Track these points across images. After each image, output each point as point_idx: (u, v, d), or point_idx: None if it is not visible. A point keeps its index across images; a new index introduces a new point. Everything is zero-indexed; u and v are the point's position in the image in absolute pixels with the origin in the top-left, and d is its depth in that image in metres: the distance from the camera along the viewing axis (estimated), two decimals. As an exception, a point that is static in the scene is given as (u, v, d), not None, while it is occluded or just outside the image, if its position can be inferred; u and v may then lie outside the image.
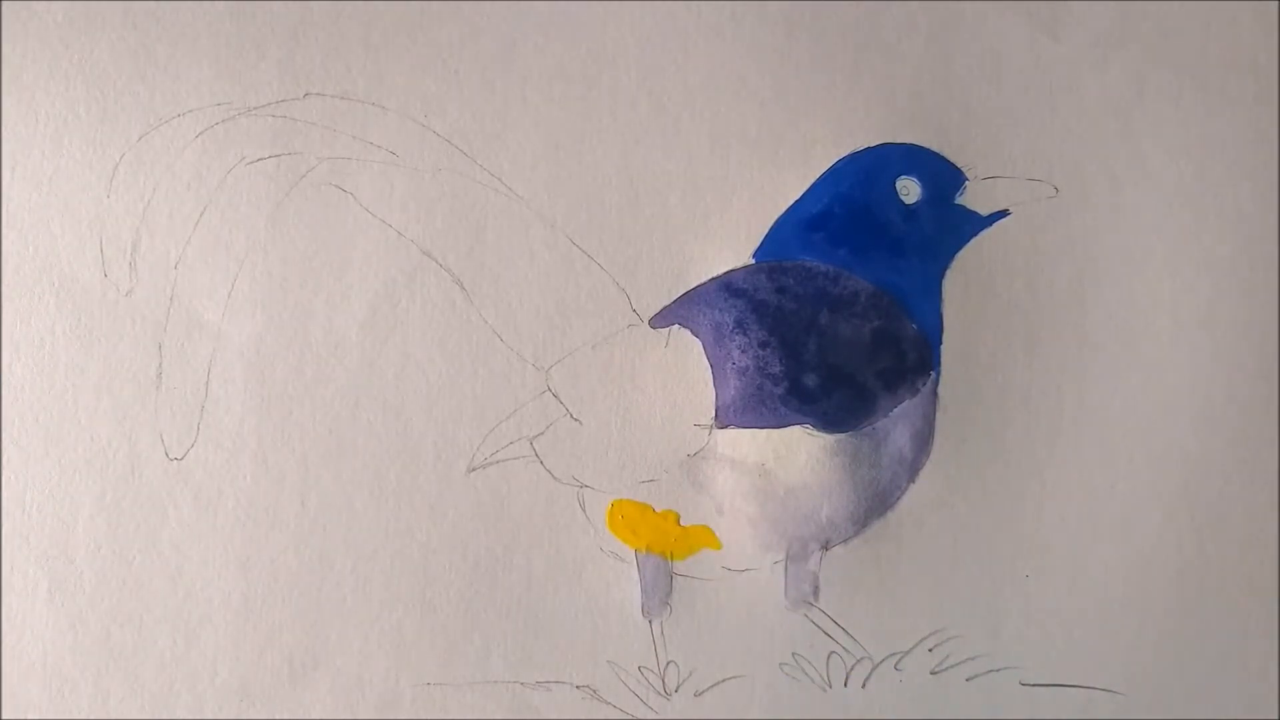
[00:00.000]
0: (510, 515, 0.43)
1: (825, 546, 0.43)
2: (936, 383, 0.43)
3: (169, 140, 0.43)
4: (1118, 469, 0.43)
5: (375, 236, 0.43)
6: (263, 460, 0.43)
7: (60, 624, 0.43)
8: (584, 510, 0.43)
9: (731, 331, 0.42)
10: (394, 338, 0.43)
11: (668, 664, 0.43)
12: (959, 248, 0.43)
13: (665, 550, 0.43)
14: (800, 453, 0.42)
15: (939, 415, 0.43)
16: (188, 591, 0.43)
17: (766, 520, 0.42)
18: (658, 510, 0.43)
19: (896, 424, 0.42)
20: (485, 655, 0.43)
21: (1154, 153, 0.43)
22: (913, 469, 0.43)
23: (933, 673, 0.43)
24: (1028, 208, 0.43)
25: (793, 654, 0.43)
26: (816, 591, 0.43)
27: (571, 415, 0.43)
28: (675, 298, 0.43)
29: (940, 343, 0.43)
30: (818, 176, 0.43)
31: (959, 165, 0.43)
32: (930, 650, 0.43)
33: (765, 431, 0.42)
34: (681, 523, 0.43)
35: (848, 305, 0.42)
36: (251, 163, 0.43)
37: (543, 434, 0.43)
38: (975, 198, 0.43)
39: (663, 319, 0.43)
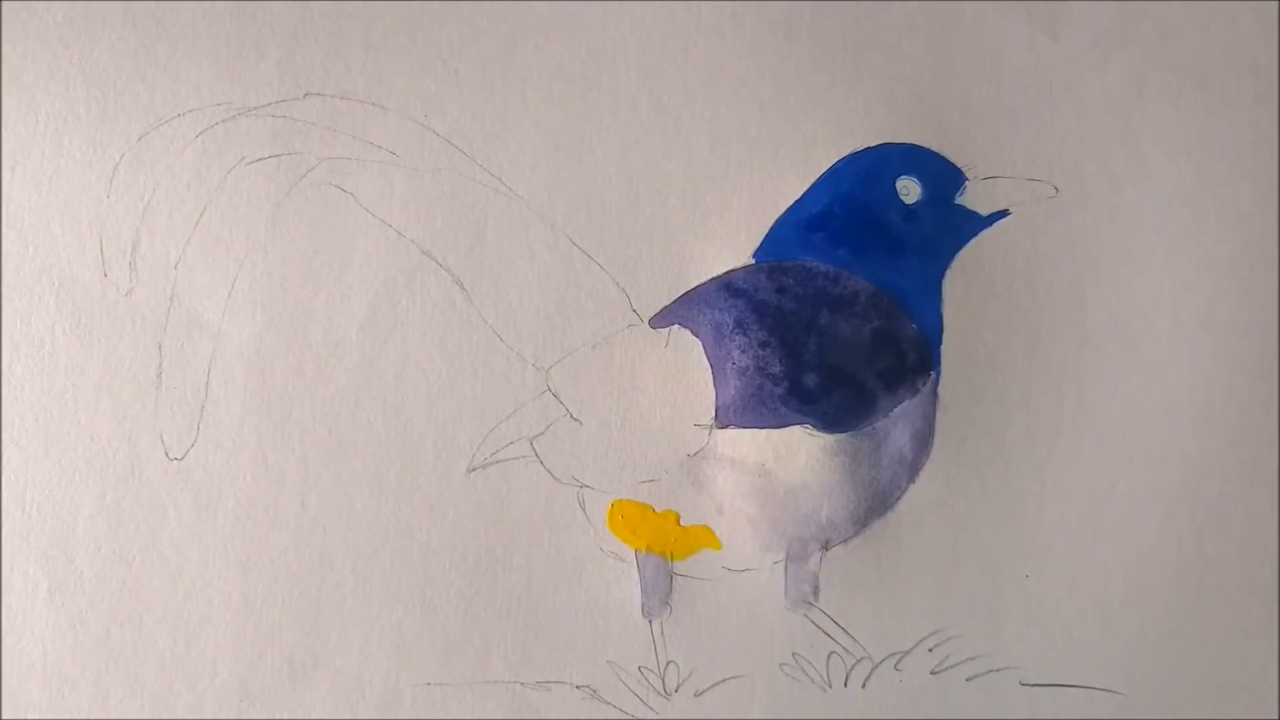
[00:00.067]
0: (510, 515, 0.43)
1: (825, 546, 0.43)
2: (936, 383, 0.43)
3: (169, 140, 0.43)
4: (1118, 469, 0.43)
5: (375, 236, 0.43)
6: (263, 460, 0.43)
7: (60, 624, 0.43)
8: (584, 510, 0.43)
9: (731, 331, 0.42)
10: (394, 338, 0.43)
11: (668, 664, 0.43)
12: (959, 248, 0.43)
13: (665, 550, 0.43)
14: (800, 453, 0.42)
15: (939, 415, 0.43)
16: (188, 591, 0.43)
17: (766, 520, 0.42)
18: (658, 510, 0.43)
19: (896, 424, 0.42)
20: (485, 655, 0.43)
21: (1154, 153, 0.43)
22: (913, 469, 0.43)
23: (933, 673, 0.43)
24: (1028, 208, 0.43)
25: (793, 654, 0.43)
26: (816, 591, 0.43)
27: (571, 415, 0.43)
28: (675, 298, 0.43)
29: (940, 343, 0.43)
30: (818, 176, 0.43)
31: (959, 165, 0.43)
32: (930, 650, 0.43)
33: (765, 431, 0.42)
34: (681, 523, 0.43)
35: (848, 305, 0.42)
36: (251, 163, 0.43)
37: (543, 434, 0.43)
38: (975, 198, 0.43)
39: (663, 319, 0.43)
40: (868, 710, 0.43)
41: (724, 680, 0.43)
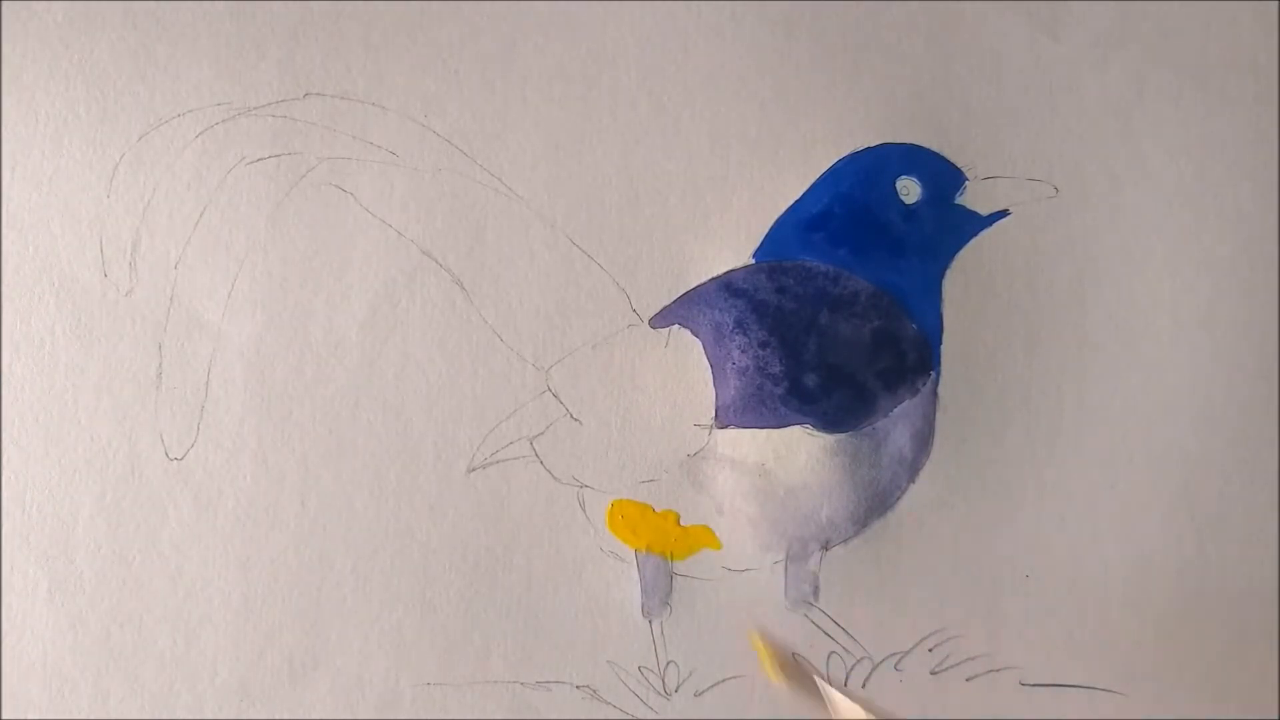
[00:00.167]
0: (510, 515, 0.43)
1: (825, 546, 0.43)
2: (936, 383, 0.43)
3: (169, 140, 0.43)
4: (1118, 469, 0.43)
5: (375, 236, 0.43)
6: (263, 460, 0.43)
7: (60, 624, 0.43)
8: (584, 510, 0.43)
9: (731, 331, 0.42)
10: (394, 338, 0.43)
11: (668, 664, 0.43)
12: (959, 248, 0.43)
13: (665, 550, 0.43)
14: (800, 453, 0.42)
15: (939, 415, 0.43)
16: (188, 591, 0.43)
17: (766, 520, 0.42)
18: (658, 510, 0.43)
19: (896, 424, 0.42)
20: (485, 655, 0.43)
21: (1154, 153, 0.43)
22: (913, 469, 0.43)
23: (933, 673, 0.43)
24: (1028, 208, 0.43)
25: (793, 654, 0.43)
26: (816, 591, 0.43)
27: (571, 415, 0.43)
28: (675, 298, 0.43)
29: (940, 343, 0.43)
30: (818, 176, 0.43)
31: (959, 165, 0.43)
32: (930, 650, 0.43)
33: (765, 431, 0.42)
34: (681, 523, 0.43)
35: (848, 305, 0.42)
36: (251, 163, 0.43)
37: (543, 434, 0.43)
38: (975, 198, 0.43)
39: (663, 319, 0.43)
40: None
41: (724, 680, 0.43)
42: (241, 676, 0.43)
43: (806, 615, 0.43)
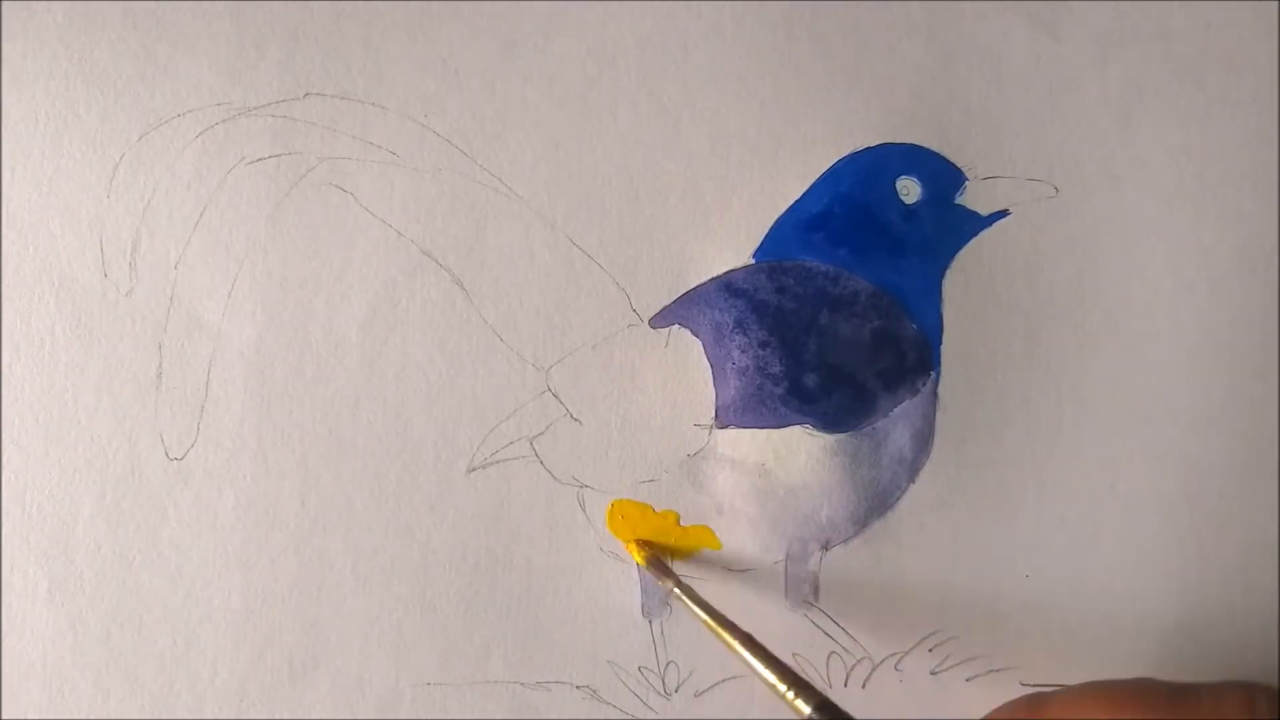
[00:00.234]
0: (510, 515, 0.43)
1: (825, 546, 0.43)
2: (936, 383, 0.43)
3: (169, 140, 0.43)
4: (1118, 469, 0.43)
5: (375, 236, 0.43)
6: (263, 460, 0.43)
7: (60, 624, 0.43)
8: (584, 510, 0.43)
9: (731, 331, 0.42)
10: (394, 338, 0.43)
11: (668, 664, 0.43)
12: (959, 248, 0.43)
13: (665, 550, 0.43)
14: (800, 453, 0.42)
15: (939, 415, 0.43)
16: (188, 591, 0.43)
17: (766, 520, 0.42)
18: (658, 510, 0.43)
19: (896, 424, 0.42)
20: (485, 655, 0.43)
21: (1154, 153, 0.43)
22: (913, 469, 0.43)
23: (933, 673, 0.43)
24: (1028, 208, 0.43)
25: (793, 654, 0.43)
26: (816, 591, 0.43)
27: (571, 415, 0.43)
28: (675, 298, 0.43)
29: (940, 343, 0.43)
30: (818, 176, 0.43)
31: (959, 165, 0.43)
32: (930, 650, 0.43)
33: (765, 431, 0.42)
34: (681, 523, 0.43)
35: (848, 305, 0.42)
36: (251, 163, 0.43)
37: (543, 434, 0.43)
38: (975, 198, 0.43)
39: (663, 319, 0.43)
40: (868, 710, 0.43)
41: (724, 680, 0.43)
42: (241, 676, 0.43)
43: (806, 615, 0.43)
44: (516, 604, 0.43)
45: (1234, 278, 0.43)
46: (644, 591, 0.43)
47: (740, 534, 0.43)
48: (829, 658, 0.43)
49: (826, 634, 0.43)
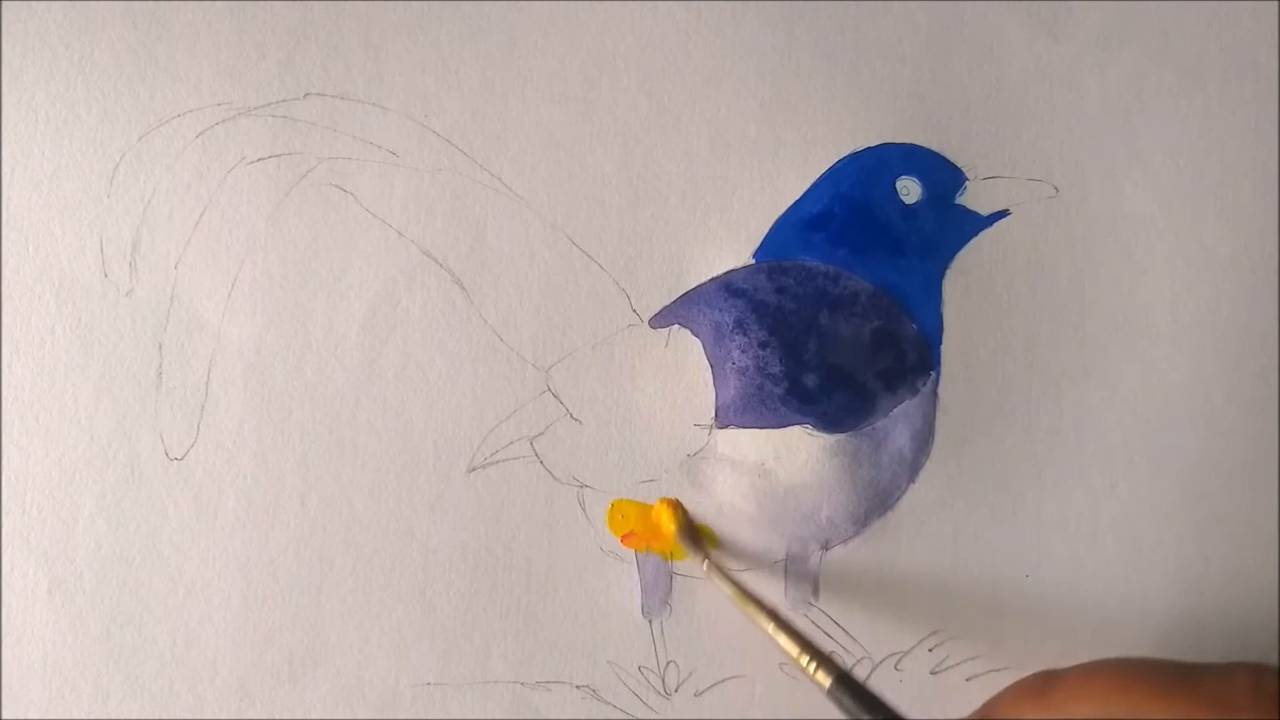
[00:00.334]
0: (510, 515, 0.43)
1: (825, 546, 0.43)
2: (936, 383, 0.43)
3: (169, 140, 0.43)
4: (1118, 469, 0.43)
5: (375, 236, 0.43)
6: (263, 460, 0.43)
7: (60, 624, 0.43)
8: (584, 510, 0.43)
9: (731, 331, 0.42)
10: (394, 338, 0.43)
11: (668, 664, 0.43)
12: (959, 248, 0.43)
13: (665, 550, 0.43)
14: (800, 453, 0.42)
15: (939, 415, 0.43)
16: (188, 591, 0.43)
17: (766, 520, 0.42)
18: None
19: (896, 424, 0.42)
20: (485, 655, 0.43)
21: (1154, 153, 0.43)
22: (913, 469, 0.43)
23: (933, 673, 0.43)
24: (1028, 208, 0.43)
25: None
26: (816, 591, 0.43)
27: (571, 415, 0.43)
28: (675, 298, 0.43)
29: (940, 343, 0.43)
30: (818, 176, 0.43)
31: (959, 165, 0.43)
32: (930, 650, 0.43)
33: (765, 431, 0.42)
34: (681, 523, 0.43)
35: (848, 305, 0.42)
36: (251, 163, 0.43)
37: (543, 434, 0.43)
38: (975, 198, 0.43)
39: (663, 319, 0.43)
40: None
41: (724, 680, 0.43)
42: (241, 676, 0.43)
43: (806, 615, 0.43)
44: (516, 604, 0.43)
45: (1234, 278, 0.43)
46: (644, 591, 0.43)
47: (740, 534, 0.43)
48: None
49: (826, 634, 0.43)
